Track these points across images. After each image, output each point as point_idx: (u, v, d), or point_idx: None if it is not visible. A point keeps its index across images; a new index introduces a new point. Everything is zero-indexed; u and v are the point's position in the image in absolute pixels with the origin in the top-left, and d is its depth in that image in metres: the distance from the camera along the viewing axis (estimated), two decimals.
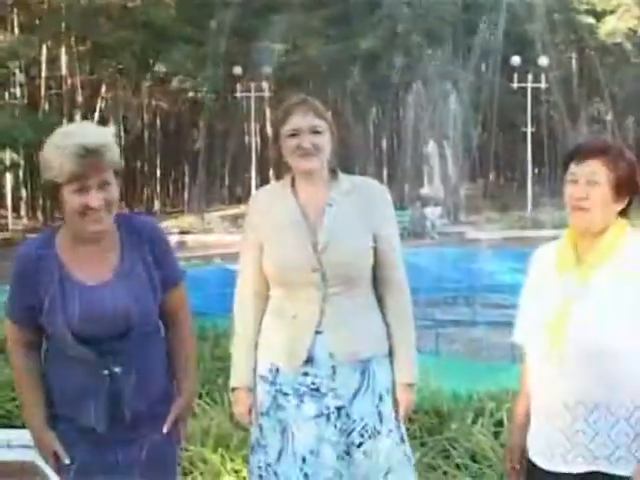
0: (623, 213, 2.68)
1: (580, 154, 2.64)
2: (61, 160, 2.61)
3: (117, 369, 2.75)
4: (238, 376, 3.14)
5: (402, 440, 3.14)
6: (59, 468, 2.83)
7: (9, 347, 2.88)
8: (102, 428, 2.78)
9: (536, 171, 39.60)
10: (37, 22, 37.30)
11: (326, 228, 3.05)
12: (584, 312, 2.56)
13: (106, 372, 2.75)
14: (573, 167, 2.64)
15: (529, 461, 2.76)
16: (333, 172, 3.16)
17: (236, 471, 4.37)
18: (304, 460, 3.03)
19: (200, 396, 5.22)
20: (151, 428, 2.85)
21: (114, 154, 2.69)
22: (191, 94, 40.41)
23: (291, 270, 3.03)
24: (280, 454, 3.06)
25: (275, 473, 3.06)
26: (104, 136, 2.69)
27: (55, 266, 2.75)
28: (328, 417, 3.03)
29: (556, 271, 2.68)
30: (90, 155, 2.60)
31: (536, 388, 2.71)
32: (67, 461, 2.80)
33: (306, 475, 3.03)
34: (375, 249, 3.10)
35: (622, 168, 2.61)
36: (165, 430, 2.87)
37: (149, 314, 2.83)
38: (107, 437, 2.80)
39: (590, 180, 2.60)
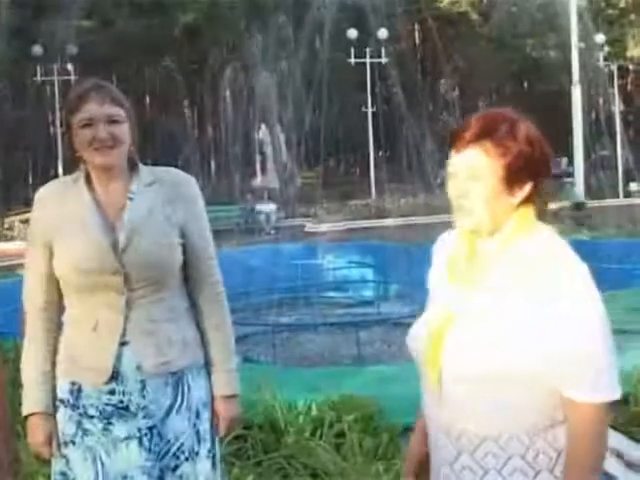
0: (530, 199, 2.33)
1: (458, 140, 2.32)
2: None
3: None
4: (31, 401, 3.08)
5: (216, 464, 3.15)
6: None
7: None
8: None
9: (379, 155, 40.40)
10: None
11: (126, 225, 3.02)
12: (463, 329, 2.31)
13: None
14: (452, 156, 2.34)
15: None
16: (133, 165, 3.14)
17: None
18: None
19: None
20: None
21: None
22: None
23: (87, 273, 2.99)
24: None
25: None
26: None
27: None
28: (140, 440, 3.01)
29: (446, 273, 2.44)
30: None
31: (425, 414, 2.49)
32: None
33: None
34: (184, 246, 3.10)
35: (512, 152, 2.28)
36: None
37: None
38: None
39: (468, 174, 2.30)
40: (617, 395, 2.25)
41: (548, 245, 2.32)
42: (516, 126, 2.31)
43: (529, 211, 2.35)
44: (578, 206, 27.07)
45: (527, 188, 2.31)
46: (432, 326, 2.38)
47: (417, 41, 46.93)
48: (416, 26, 46.59)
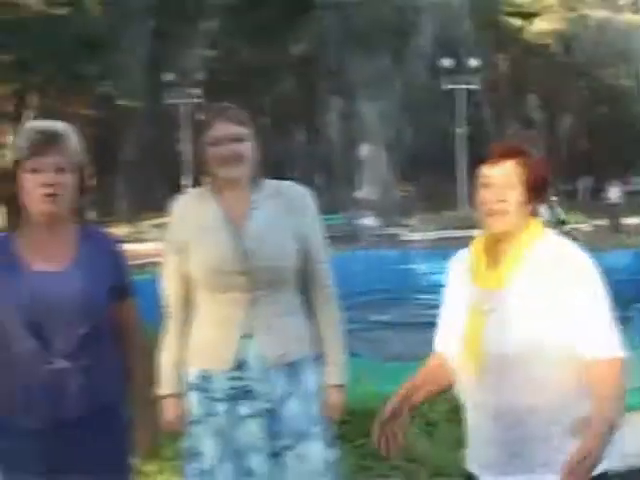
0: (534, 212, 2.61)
1: (494, 156, 2.56)
2: (22, 140, 2.80)
3: (64, 363, 2.74)
4: (165, 383, 3.13)
5: (330, 444, 3.17)
6: None
7: None
8: (49, 429, 2.75)
9: (468, 172, 40.04)
10: None
11: (251, 231, 3.07)
12: (499, 321, 2.49)
13: (50, 366, 2.74)
14: (486, 169, 2.57)
15: (469, 474, 2.66)
16: (256, 178, 3.17)
17: None
18: (245, 456, 3.04)
19: None
20: (96, 437, 2.82)
21: (72, 145, 2.83)
22: (120, 102, 39.94)
23: (217, 274, 3.04)
24: (219, 459, 3.06)
25: (215, 479, 3.05)
26: (64, 127, 2.86)
27: (9, 253, 2.80)
28: (260, 420, 3.04)
29: (470, 278, 2.62)
30: (47, 138, 2.78)
31: (468, 401, 2.64)
32: None
33: (249, 471, 3.03)
34: (300, 251, 3.12)
35: (536, 169, 2.55)
36: None
37: (100, 308, 2.82)
38: (56, 441, 2.77)
39: (505, 182, 2.52)
40: (622, 354, 2.49)
41: (560, 245, 2.57)
42: (535, 151, 2.60)
43: (536, 220, 2.61)
44: None
45: (538, 201, 2.59)
46: (466, 323, 2.56)
47: (504, 69, 46.37)
48: (503, 55, 46.05)
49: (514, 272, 2.52)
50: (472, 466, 2.65)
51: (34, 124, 2.90)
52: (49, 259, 2.80)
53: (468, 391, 2.61)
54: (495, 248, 2.59)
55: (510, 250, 2.56)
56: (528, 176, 2.53)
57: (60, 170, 2.77)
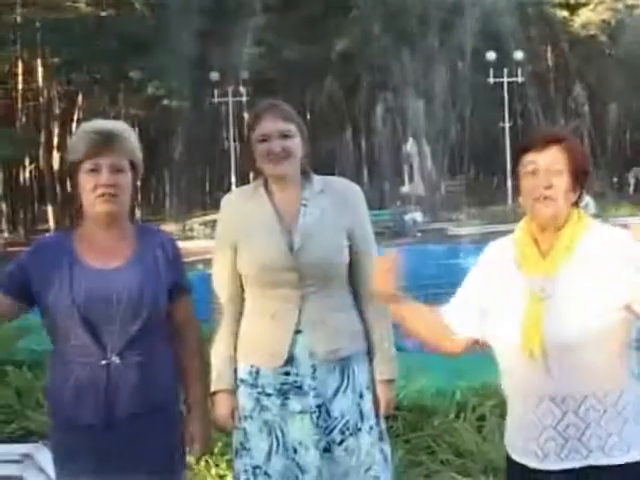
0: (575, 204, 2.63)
1: (539, 142, 2.57)
2: (78, 140, 2.85)
3: (115, 359, 2.78)
4: (218, 379, 3.14)
5: (381, 438, 3.17)
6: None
7: None
8: (100, 425, 2.79)
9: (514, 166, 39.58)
10: (10, 35, 37.11)
11: (301, 228, 3.08)
12: (557, 308, 2.51)
13: (102, 362, 2.78)
14: (531, 156, 2.56)
15: (513, 462, 2.67)
16: (305, 174, 3.18)
17: (221, 476, 4.39)
18: (295, 451, 3.06)
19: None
20: (149, 436, 2.85)
21: (130, 145, 2.88)
22: (167, 102, 40.26)
23: (268, 270, 3.05)
24: (269, 454, 3.07)
25: (266, 473, 3.07)
26: (120, 126, 2.93)
27: (67, 250, 2.86)
28: (310, 416, 3.05)
29: (518, 268, 2.61)
30: (104, 138, 2.82)
31: (517, 388, 2.65)
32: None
33: (299, 465, 3.05)
34: (350, 247, 3.13)
35: (580, 156, 2.58)
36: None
37: (157, 305, 2.86)
38: (107, 438, 2.80)
39: (552, 169, 2.53)
40: None
41: (609, 232, 2.58)
42: (577, 140, 2.65)
43: (581, 211, 2.62)
44: None
45: (580, 191, 2.60)
46: (521, 313, 2.54)
47: (550, 61, 45.89)
48: (549, 47, 45.57)
49: (566, 260, 2.53)
50: (520, 454, 2.64)
51: (90, 124, 2.93)
52: (107, 257, 2.85)
53: (520, 378, 2.61)
54: (542, 236, 2.59)
55: (559, 238, 2.56)
56: (573, 162, 2.55)
57: (118, 170, 2.82)
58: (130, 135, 2.90)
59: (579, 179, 2.58)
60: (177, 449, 2.98)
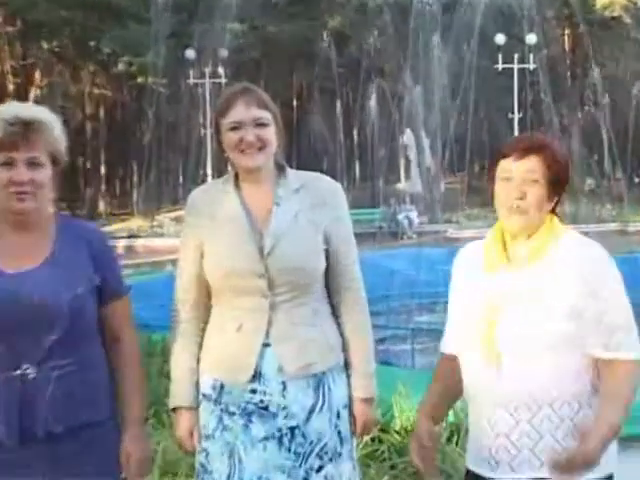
0: (552, 210, 2.78)
1: (518, 150, 2.71)
2: None
3: (31, 370, 2.73)
4: (178, 395, 3.14)
5: (354, 464, 3.17)
6: None
7: None
8: (13, 442, 2.74)
9: None
10: None
11: (273, 230, 3.05)
12: (514, 315, 2.67)
13: (17, 373, 2.73)
14: (508, 163, 2.72)
15: (469, 472, 2.84)
16: (280, 168, 3.17)
17: None
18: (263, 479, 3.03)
19: (146, 419, 5.23)
20: (78, 457, 2.80)
21: (51, 135, 2.80)
22: (139, 80, 40.09)
23: (234, 276, 3.03)
24: (230, 478, 3.06)
25: None
26: (41, 113, 2.82)
27: None
28: (280, 440, 3.03)
29: (484, 272, 2.78)
30: (21, 126, 2.73)
31: (474, 394, 2.80)
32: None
33: None
34: (327, 251, 3.12)
35: (559, 166, 2.71)
36: None
37: (80, 309, 2.79)
38: (21, 456, 2.75)
39: (528, 178, 2.69)
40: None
41: (581, 242, 2.73)
42: (560, 145, 2.77)
43: (555, 218, 2.77)
44: None
45: (557, 198, 2.75)
46: (480, 317, 2.72)
47: (566, 46, 45.97)
48: (566, 31, 45.66)
49: (530, 268, 2.70)
50: (475, 464, 2.81)
51: (6, 109, 2.81)
52: (21, 259, 2.79)
53: (476, 384, 2.77)
54: (512, 242, 2.77)
55: (527, 245, 2.73)
56: (550, 172, 2.70)
57: (36, 165, 2.76)
58: (52, 123, 2.83)
59: (556, 188, 2.73)
60: (111, 472, 2.91)
